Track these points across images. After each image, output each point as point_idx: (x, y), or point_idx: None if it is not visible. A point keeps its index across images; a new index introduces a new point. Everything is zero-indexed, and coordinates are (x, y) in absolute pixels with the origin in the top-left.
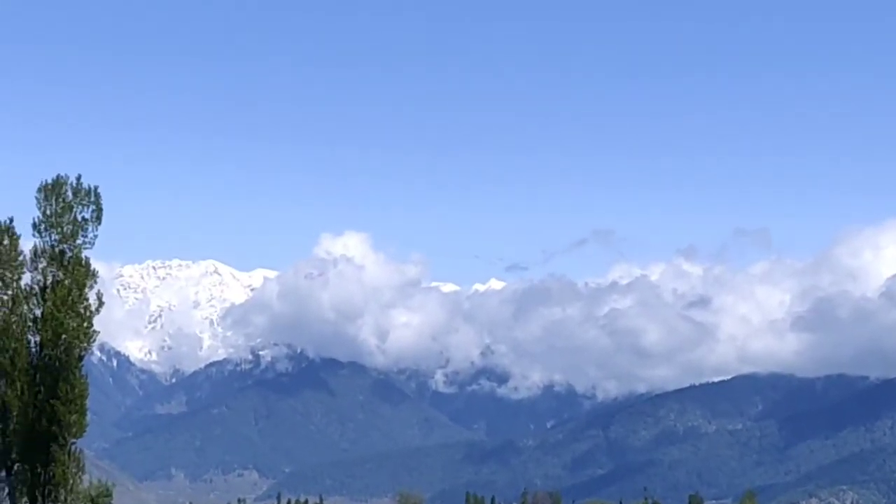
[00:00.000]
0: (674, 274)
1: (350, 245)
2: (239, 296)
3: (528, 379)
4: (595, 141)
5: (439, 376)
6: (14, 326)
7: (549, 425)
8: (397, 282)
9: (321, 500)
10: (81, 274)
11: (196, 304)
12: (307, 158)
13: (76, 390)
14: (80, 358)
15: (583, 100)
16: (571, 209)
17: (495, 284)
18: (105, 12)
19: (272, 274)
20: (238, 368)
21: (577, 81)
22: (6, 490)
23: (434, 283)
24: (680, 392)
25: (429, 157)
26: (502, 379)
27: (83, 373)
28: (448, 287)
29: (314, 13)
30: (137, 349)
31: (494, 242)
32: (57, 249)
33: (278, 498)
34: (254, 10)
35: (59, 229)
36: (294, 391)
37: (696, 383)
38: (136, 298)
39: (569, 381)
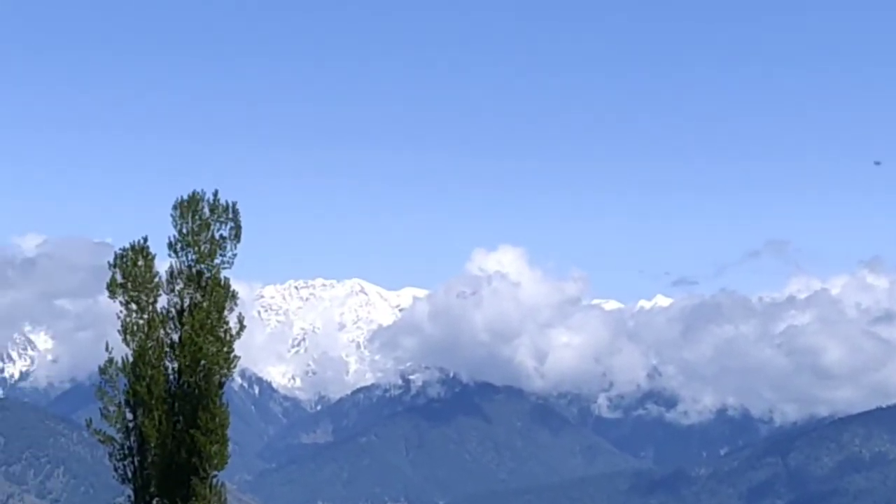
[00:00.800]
0: (857, 287)
1: (505, 261)
2: (387, 317)
3: (699, 402)
4: (766, 145)
5: (602, 400)
6: (150, 352)
7: (722, 452)
8: (556, 300)
9: None
10: (221, 295)
11: (341, 326)
12: (457, 169)
13: (217, 419)
14: (221, 385)
15: (753, 101)
16: (743, 218)
17: (662, 301)
18: (246, 23)
19: (422, 293)
20: (387, 394)
21: (747, 80)
22: None
23: (595, 301)
24: (865, 415)
25: (588, 166)
26: (671, 403)
27: (224, 401)
28: (611, 304)
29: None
30: (280, 375)
31: (660, 255)
32: (194, 270)
33: None
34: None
35: (197, 248)
36: (447, 418)
37: (884, 405)
38: (278, 321)
39: (743, 405)
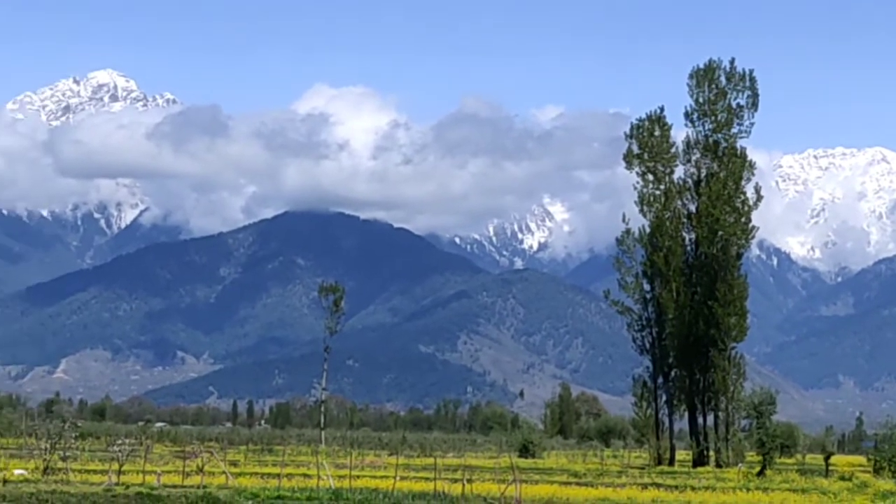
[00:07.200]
0: None
1: None
2: None
3: None
4: None
5: None
6: (668, 223)
7: None
8: None
9: None
10: (737, 165)
11: (862, 196)
12: None
13: (735, 291)
14: (739, 256)
15: None
16: None
17: None
18: None
19: None
20: None
21: None
22: (664, 397)
23: None
24: None
25: None
26: None
27: (742, 272)
28: None
29: None
30: (799, 245)
31: None
32: (710, 139)
33: None
34: None
35: (713, 118)
36: None
37: None
38: (797, 191)
39: None
